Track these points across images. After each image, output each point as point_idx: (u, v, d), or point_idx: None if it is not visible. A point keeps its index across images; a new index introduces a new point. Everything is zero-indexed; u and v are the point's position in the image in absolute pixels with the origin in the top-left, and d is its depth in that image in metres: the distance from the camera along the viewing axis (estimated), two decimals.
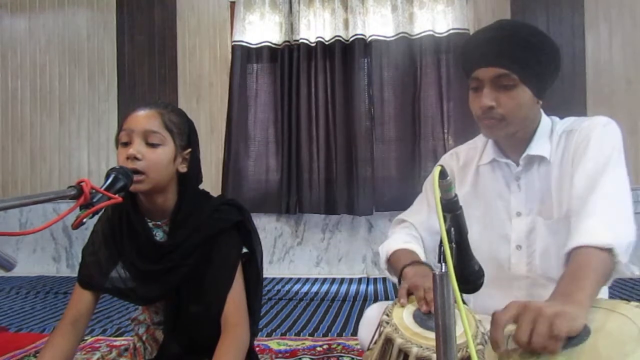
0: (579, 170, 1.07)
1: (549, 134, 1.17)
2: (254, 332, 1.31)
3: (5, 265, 0.66)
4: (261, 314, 1.44)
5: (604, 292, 1.11)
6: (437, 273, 0.67)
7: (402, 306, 1.02)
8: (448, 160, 1.34)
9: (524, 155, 1.16)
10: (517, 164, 1.18)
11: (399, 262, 1.19)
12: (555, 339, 0.75)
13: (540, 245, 1.16)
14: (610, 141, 1.09)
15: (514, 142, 1.18)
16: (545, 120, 1.19)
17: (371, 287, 3.40)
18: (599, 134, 1.10)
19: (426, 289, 0.99)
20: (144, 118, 1.17)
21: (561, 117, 1.22)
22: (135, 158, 1.13)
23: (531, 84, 1.08)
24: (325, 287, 3.43)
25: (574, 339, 0.80)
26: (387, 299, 3.11)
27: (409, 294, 1.05)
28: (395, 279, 1.24)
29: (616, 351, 0.76)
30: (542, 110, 1.19)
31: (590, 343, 0.79)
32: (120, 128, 1.19)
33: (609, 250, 0.92)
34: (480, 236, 1.21)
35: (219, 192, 3.75)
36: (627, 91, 3.64)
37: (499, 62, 1.07)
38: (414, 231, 1.33)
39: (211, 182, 3.82)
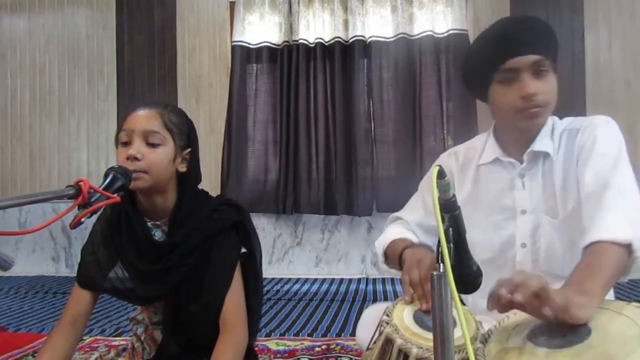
0: (588, 168, 1.08)
1: (551, 133, 1.17)
2: (254, 331, 1.31)
3: (2, 264, 0.66)
4: (261, 314, 1.44)
5: (609, 293, 1.11)
6: (435, 273, 0.67)
7: (407, 304, 1.02)
8: (446, 159, 1.34)
9: (529, 151, 1.16)
10: (520, 162, 1.18)
11: (396, 251, 1.18)
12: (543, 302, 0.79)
13: (545, 242, 1.16)
14: (615, 138, 1.10)
15: (519, 139, 1.18)
16: (548, 119, 1.19)
17: (370, 288, 3.40)
18: (604, 132, 1.11)
19: (424, 281, 0.99)
20: (144, 118, 1.17)
21: (560, 118, 1.22)
22: (135, 158, 1.13)
23: (556, 69, 1.11)
24: (324, 287, 3.43)
25: (574, 338, 0.80)
26: (386, 299, 3.11)
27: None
28: (393, 271, 1.23)
29: (616, 351, 0.76)
30: None
31: (590, 342, 0.79)
32: (120, 128, 1.19)
33: (627, 246, 0.93)
34: (483, 235, 1.21)
35: (218, 192, 3.75)
36: (626, 92, 3.64)
37: (534, 49, 1.08)
38: (408, 227, 1.34)
39: (210, 182, 3.82)
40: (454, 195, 0.73)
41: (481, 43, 1.16)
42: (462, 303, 1.24)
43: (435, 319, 0.67)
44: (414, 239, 1.26)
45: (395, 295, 3.17)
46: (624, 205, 1.00)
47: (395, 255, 1.18)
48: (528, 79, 1.09)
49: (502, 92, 1.13)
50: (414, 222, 1.34)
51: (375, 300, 3.10)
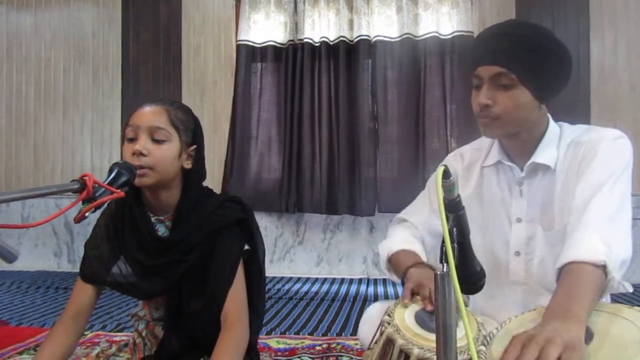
0: (582, 183, 1.05)
1: (557, 142, 1.14)
2: (256, 328, 1.31)
3: (7, 256, 0.66)
4: (264, 312, 1.44)
5: (605, 297, 1.11)
6: (438, 273, 0.67)
7: (405, 306, 1.02)
8: (452, 160, 1.33)
9: (529, 162, 1.14)
10: (522, 169, 1.16)
11: (401, 263, 1.18)
12: None
13: (538, 253, 1.14)
14: (617, 156, 1.07)
15: (518, 145, 1.16)
16: (554, 127, 1.16)
17: (371, 288, 3.40)
18: (607, 148, 1.07)
19: (432, 289, 0.99)
20: (151, 114, 1.17)
21: (571, 123, 1.19)
22: (141, 154, 1.13)
23: (531, 86, 1.06)
24: (325, 287, 3.43)
25: None
26: (387, 300, 3.10)
27: (413, 294, 1.05)
28: (395, 278, 1.24)
29: (618, 355, 0.76)
30: (550, 116, 1.17)
31: (593, 347, 0.79)
32: (126, 124, 1.20)
33: (603, 267, 0.91)
34: (480, 239, 1.20)
35: (221, 190, 3.75)
36: (631, 97, 3.63)
37: (497, 61, 1.06)
38: (414, 231, 1.32)
39: (213, 180, 3.82)
40: (458, 196, 0.73)
41: (473, 44, 1.18)
42: (465, 304, 1.23)
43: (438, 318, 0.67)
44: (421, 251, 1.24)
45: (396, 296, 3.17)
46: (604, 225, 0.97)
47: (399, 270, 1.18)
48: (485, 90, 1.08)
49: (472, 96, 1.14)
50: (420, 223, 1.33)
51: (376, 300, 3.06)
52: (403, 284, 1.13)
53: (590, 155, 1.07)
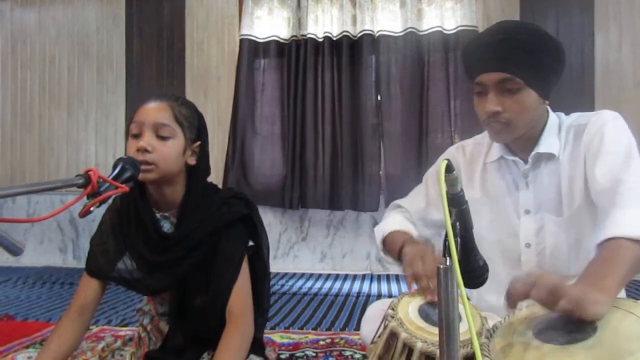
0: (599, 165, 1.07)
1: (557, 131, 1.16)
2: (261, 324, 1.32)
3: (13, 250, 0.66)
4: (269, 307, 1.45)
5: (621, 292, 1.11)
6: (441, 267, 0.67)
7: (412, 296, 1.03)
8: (454, 153, 1.34)
9: (533, 153, 1.15)
10: (525, 162, 1.18)
11: (395, 244, 1.20)
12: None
13: (550, 242, 1.15)
14: (625, 134, 1.09)
15: (522, 141, 1.17)
16: (553, 117, 1.18)
17: (375, 284, 3.41)
18: (612, 128, 1.10)
19: (428, 274, 0.99)
20: (155, 110, 1.17)
21: (567, 114, 1.21)
22: (146, 150, 1.13)
23: (536, 86, 1.08)
24: (328, 283, 3.44)
25: (580, 335, 0.80)
26: (390, 296, 3.11)
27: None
28: (390, 260, 1.25)
29: (621, 348, 0.76)
30: (548, 108, 1.18)
31: (596, 339, 0.79)
32: (130, 120, 1.19)
33: None
34: (489, 234, 1.21)
35: (224, 186, 3.76)
36: (635, 92, 3.61)
37: (502, 67, 1.07)
38: (408, 216, 1.35)
39: (217, 176, 3.83)
40: (461, 190, 0.73)
41: (466, 51, 1.18)
42: (467, 298, 1.23)
43: (441, 312, 0.67)
44: (414, 231, 1.26)
45: (400, 292, 3.18)
46: (638, 201, 1.00)
47: (394, 249, 1.19)
48: (492, 96, 1.09)
49: (476, 103, 1.16)
50: (415, 213, 1.35)
51: (379, 296, 3.11)
52: (399, 261, 1.15)
53: (598, 138, 1.09)
